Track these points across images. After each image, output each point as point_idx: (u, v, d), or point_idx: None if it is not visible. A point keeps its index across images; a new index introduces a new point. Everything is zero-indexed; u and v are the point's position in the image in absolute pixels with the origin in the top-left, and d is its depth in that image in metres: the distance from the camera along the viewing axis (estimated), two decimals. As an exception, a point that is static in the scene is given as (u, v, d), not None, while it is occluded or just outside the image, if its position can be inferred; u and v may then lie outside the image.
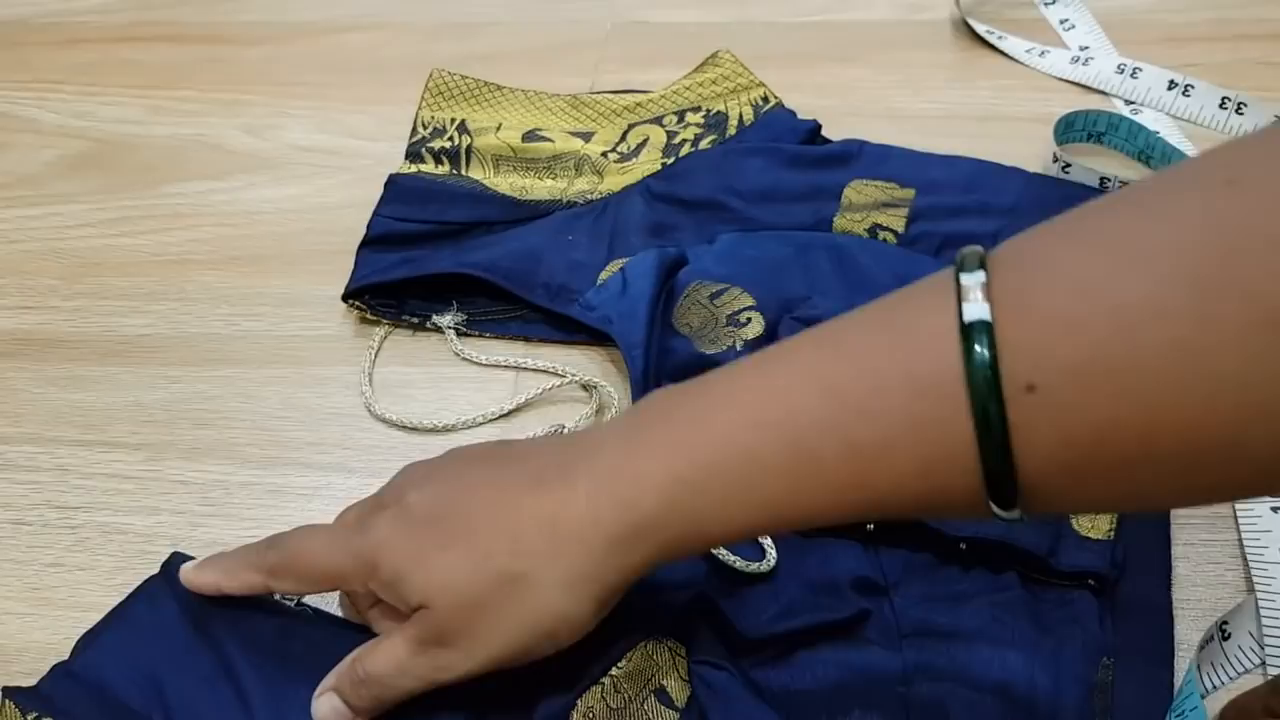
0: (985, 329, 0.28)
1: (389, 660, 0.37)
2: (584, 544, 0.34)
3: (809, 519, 0.32)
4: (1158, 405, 0.26)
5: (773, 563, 0.42)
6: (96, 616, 0.42)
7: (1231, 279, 0.25)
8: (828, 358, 0.31)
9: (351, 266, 0.54)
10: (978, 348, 0.28)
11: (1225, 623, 0.38)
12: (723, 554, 0.43)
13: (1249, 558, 0.42)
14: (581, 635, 0.36)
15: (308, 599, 0.44)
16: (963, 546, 0.42)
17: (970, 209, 0.53)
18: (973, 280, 0.28)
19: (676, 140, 0.59)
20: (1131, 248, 0.27)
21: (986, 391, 0.27)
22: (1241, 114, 0.58)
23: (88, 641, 0.41)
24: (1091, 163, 0.56)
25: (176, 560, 0.44)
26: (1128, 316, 0.26)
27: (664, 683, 0.40)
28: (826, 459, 0.30)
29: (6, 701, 0.39)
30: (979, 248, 0.30)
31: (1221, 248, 0.25)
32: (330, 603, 0.44)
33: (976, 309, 0.28)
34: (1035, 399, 0.27)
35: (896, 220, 0.53)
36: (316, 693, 0.39)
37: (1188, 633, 0.40)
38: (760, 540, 0.43)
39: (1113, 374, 0.26)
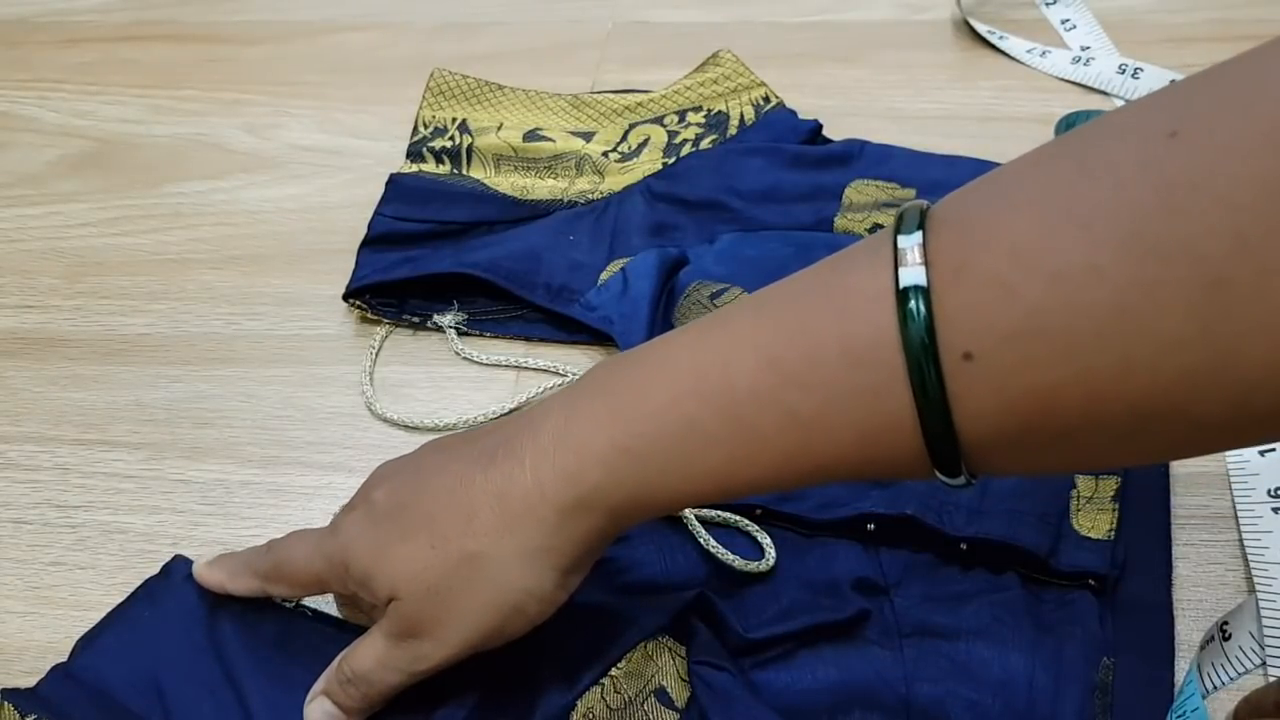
0: (921, 294, 0.27)
1: (369, 657, 0.37)
2: (534, 516, 0.33)
3: (754, 487, 0.31)
4: (1100, 371, 0.25)
5: (771, 562, 0.42)
6: (97, 616, 0.42)
7: (1174, 239, 0.24)
8: (766, 326, 0.30)
9: (352, 266, 0.54)
10: (913, 314, 0.27)
11: (1226, 623, 0.38)
12: (721, 553, 0.43)
13: (1250, 558, 0.42)
14: (553, 608, 0.35)
15: (306, 600, 0.44)
16: (963, 546, 0.42)
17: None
18: (909, 242, 0.27)
19: (677, 140, 0.59)
20: (1069, 208, 0.25)
21: (924, 359, 0.27)
22: (1242, 114, 0.58)
23: (87, 643, 0.41)
24: (1092, 163, 0.56)
25: (177, 562, 0.44)
26: (1066, 282, 0.25)
27: (664, 683, 0.39)
28: (766, 430, 0.30)
29: (5, 703, 0.39)
30: (922, 203, 0.29)
31: (1162, 206, 0.24)
32: (330, 603, 0.44)
33: (912, 273, 0.27)
34: (974, 367, 0.26)
35: (897, 220, 0.53)
36: (308, 697, 0.39)
37: (1188, 633, 0.40)
38: (759, 539, 0.43)
39: (1052, 341, 0.25)
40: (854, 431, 0.29)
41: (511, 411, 0.50)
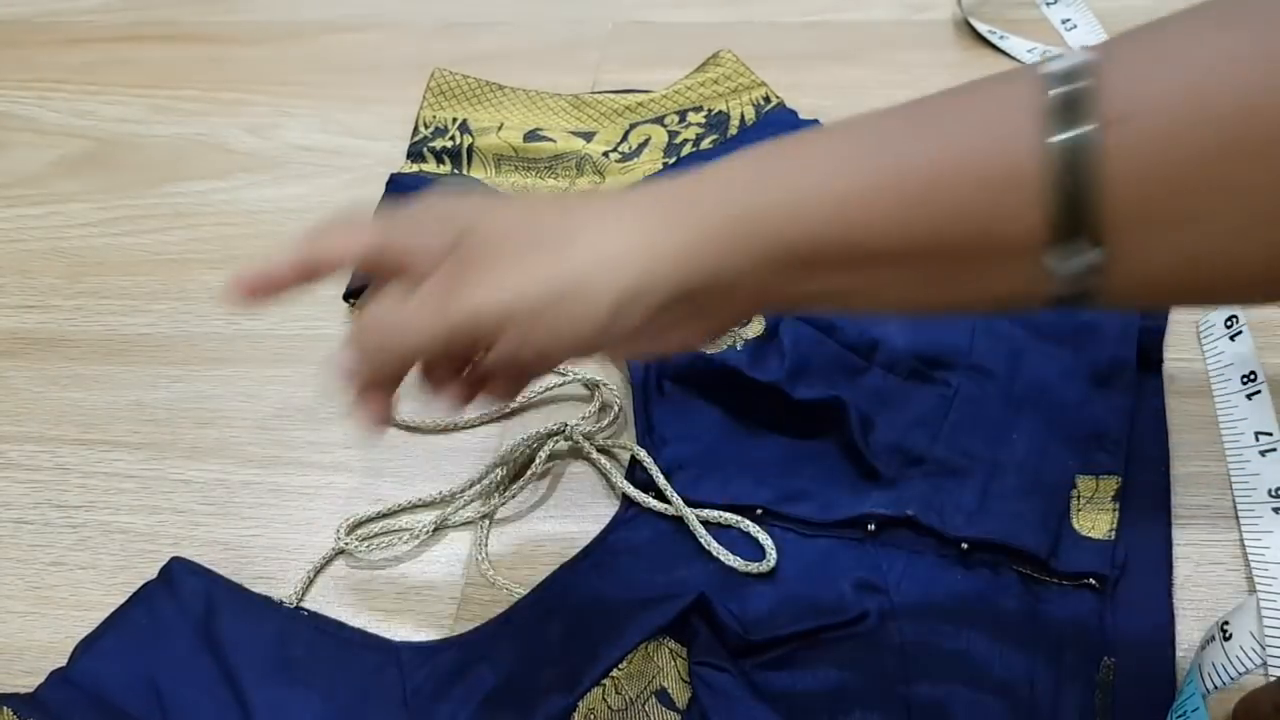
0: (1076, 73, 0.28)
1: (400, 302, 0.34)
2: (640, 213, 0.32)
3: (869, 236, 0.30)
4: (1257, 133, 0.26)
5: (772, 563, 0.42)
6: (98, 616, 0.42)
7: None
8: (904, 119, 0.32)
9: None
10: (1061, 75, 0.28)
11: (1226, 623, 0.38)
12: (722, 554, 0.43)
13: (1250, 558, 0.42)
14: (589, 341, 0.33)
15: (308, 600, 0.44)
16: (964, 546, 0.42)
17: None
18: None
19: (678, 140, 0.59)
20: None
21: (1070, 104, 0.27)
22: (1243, 114, 0.58)
23: (85, 647, 0.41)
24: (1093, 163, 0.56)
25: (176, 565, 0.44)
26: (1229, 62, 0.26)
27: (665, 684, 0.40)
28: (888, 154, 0.30)
29: (3, 709, 0.39)
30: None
31: None
32: (330, 605, 0.44)
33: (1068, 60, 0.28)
34: (1124, 128, 0.27)
35: (898, 220, 0.53)
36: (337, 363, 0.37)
37: (1189, 633, 0.40)
38: (760, 540, 0.43)
39: (1214, 105, 0.26)
40: (975, 177, 0.29)
41: (513, 412, 0.50)
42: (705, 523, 0.44)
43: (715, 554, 0.43)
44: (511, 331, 0.33)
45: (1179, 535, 0.43)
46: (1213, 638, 0.38)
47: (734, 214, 0.31)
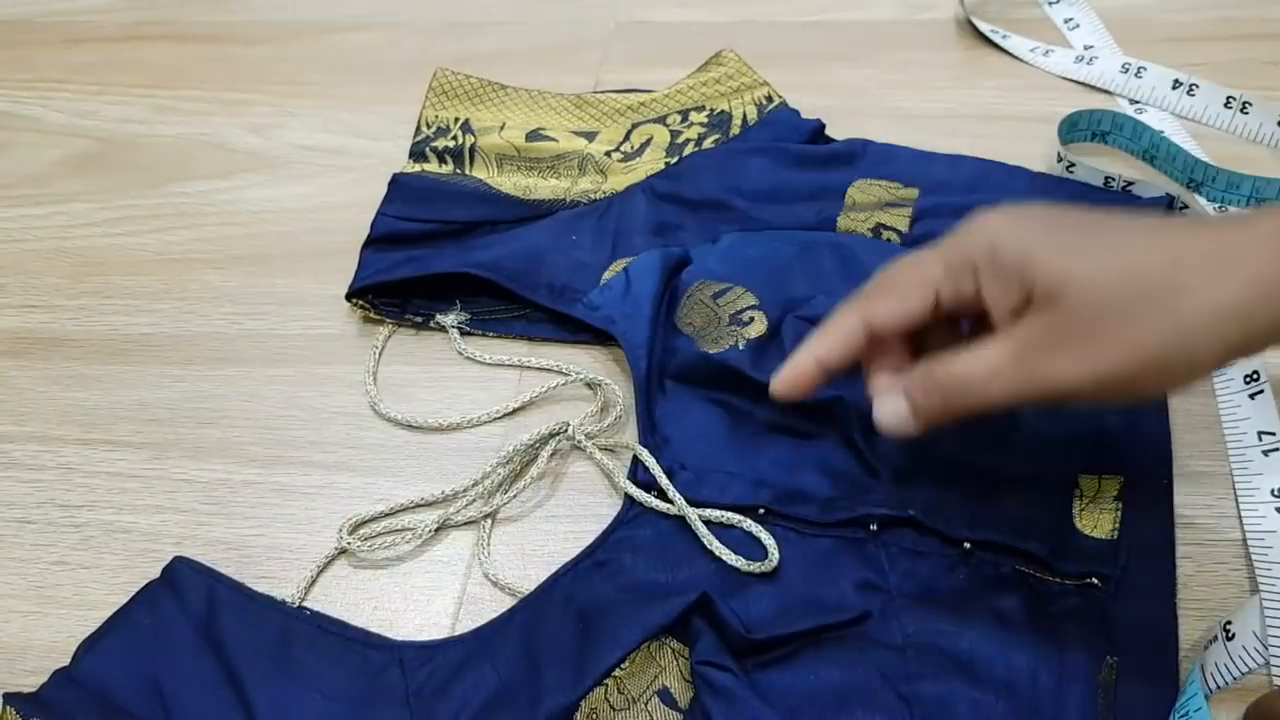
0: None
1: (981, 363, 0.35)
2: (1251, 273, 0.31)
3: None
4: None
5: (774, 562, 0.42)
6: (101, 615, 0.42)
7: None
8: None
9: (355, 266, 0.54)
10: None
11: (1229, 623, 0.38)
12: (724, 553, 0.43)
13: (1253, 558, 0.42)
14: (1190, 385, 0.34)
15: (310, 599, 0.44)
16: (966, 546, 0.42)
17: (975, 209, 0.53)
18: None
19: (680, 140, 0.59)
20: None
21: None
22: (1246, 113, 0.58)
23: (88, 647, 0.41)
24: (1096, 162, 0.56)
25: (178, 564, 0.44)
26: None
27: (667, 683, 0.40)
28: None
29: (7, 708, 0.39)
30: None
31: None
32: (332, 605, 0.44)
33: None
34: None
35: (900, 220, 0.53)
36: (877, 391, 0.38)
37: (1192, 633, 0.40)
38: (762, 540, 0.43)
39: None
40: None
41: (515, 410, 0.50)
42: (707, 522, 0.44)
43: (717, 553, 0.43)
44: (1094, 395, 0.33)
45: (1182, 535, 0.43)
46: (1215, 637, 0.38)
47: None
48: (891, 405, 0.38)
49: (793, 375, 0.39)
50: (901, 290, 0.37)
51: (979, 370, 0.35)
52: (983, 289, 0.35)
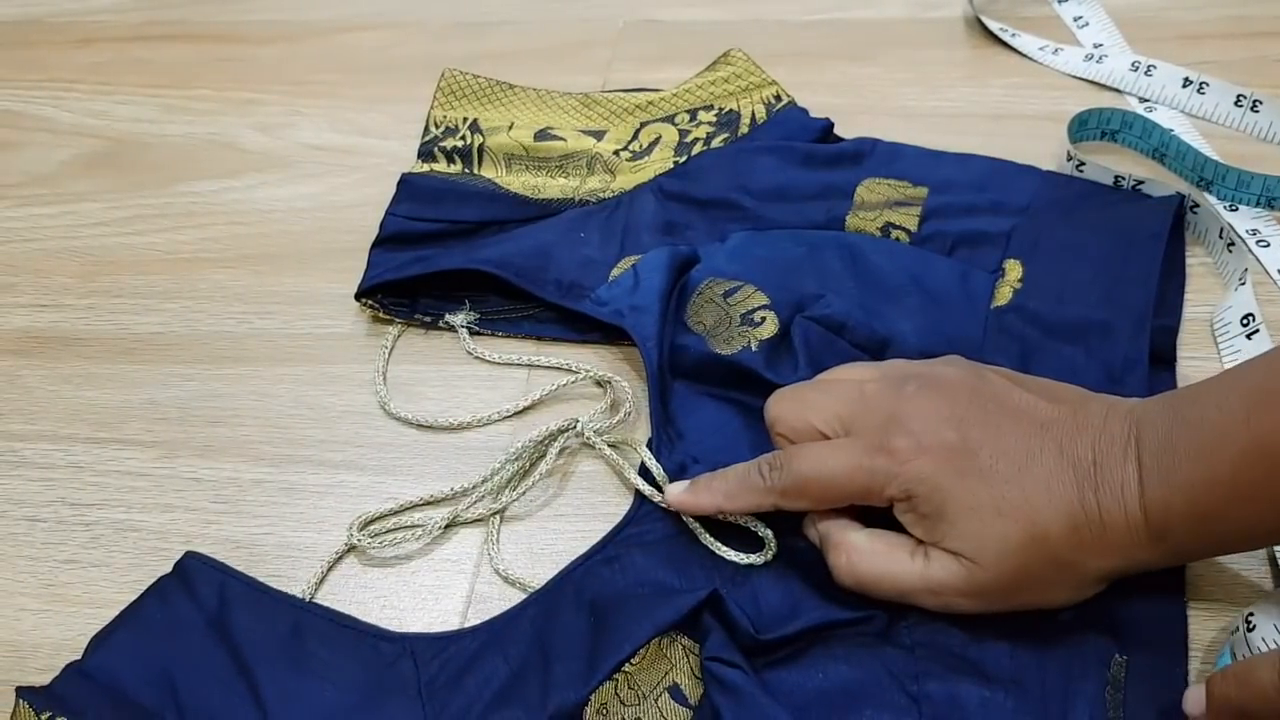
0: None
1: (892, 579, 0.39)
2: (1128, 545, 0.37)
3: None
4: None
5: (770, 555, 0.42)
6: (111, 613, 0.42)
7: None
8: None
9: (364, 265, 0.54)
10: None
11: (1251, 614, 0.38)
12: (718, 548, 0.43)
13: (1276, 551, 0.42)
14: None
15: (320, 598, 0.45)
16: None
17: (983, 208, 0.53)
18: None
19: (689, 139, 0.59)
20: None
21: None
22: (1257, 111, 0.58)
23: (100, 641, 0.41)
24: (1106, 161, 0.56)
25: (188, 559, 0.44)
26: None
27: (678, 680, 0.40)
28: None
29: (20, 701, 0.39)
30: None
31: None
32: (342, 601, 0.44)
33: None
34: None
35: (909, 219, 0.53)
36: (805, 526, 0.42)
37: (1202, 631, 0.40)
38: (759, 533, 0.43)
39: None
40: None
41: (525, 409, 0.50)
42: (713, 521, 0.44)
43: (712, 548, 0.43)
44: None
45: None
46: (1237, 628, 0.38)
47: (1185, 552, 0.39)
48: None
49: (692, 505, 0.43)
50: (816, 499, 0.41)
51: (893, 584, 0.40)
52: (897, 515, 0.40)
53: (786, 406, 0.43)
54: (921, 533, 0.39)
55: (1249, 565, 0.42)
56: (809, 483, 0.40)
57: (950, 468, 0.38)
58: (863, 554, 0.40)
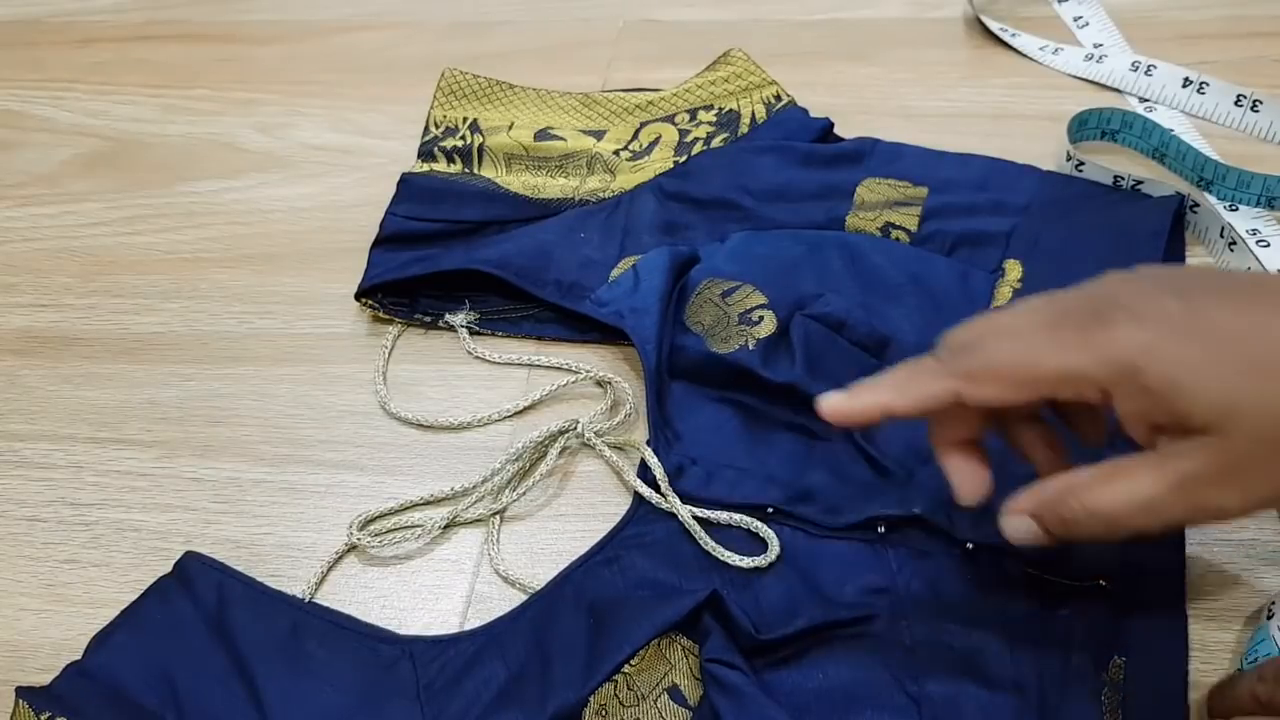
0: None
1: (1136, 495, 0.33)
2: None
3: None
4: None
5: (773, 557, 0.42)
6: (111, 613, 0.42)
7: None
8: None
9: (364, 265, 0.54)
10: None
11: (1273, 603, 0.38)
12: (720, 553, 0.43)
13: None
14: None
15: (320, 597, 0.45)
16: (969, 547, 0.42)
17: (983, 207, 0.53)
18: None
19: (689, 139, 0.59)
20: None
21: None
22: (1257, 111, 0.58)
23: (100, 641, 0.42)
24: (1105, 161, 0.56)
25: (188, 559, 0.44)
26: None
27: (677, 681, 0.40)
28: None
29: (20, 701, 0.39)
30: None
31: None
32: (342, 601, 0.44)
33: None
34: None
35: (909, 219, 0.53)
36: (1007, 508, 0.36)
37: (1203, 633, 0.40)
38: (764, 536, 0.43)
39: None
40: None
41: (525, 409, 0.50)
42: (712, 523, 0.44)
43: (712, 552, 0.43)
44: (1247, 515, 0.34)
45: (1192, 535, 0.43)
46: (1271, 614, 0.38)
47: None
48: (1022, 527, 0.36)
49: (852, 410, 0.37)
50: (1009, 382, 0.35)
51: (1134, 502, 0.33)
52: (1118, 404, 0.33)
53: (963, 325, 0.36)
54: (1156, 412, 0.32)
55: (1248, 567, 0.42)
56: (1003, 359, 0.34)
57: (1180, 331, 0.32)
58: (1090, 487, 0.33)
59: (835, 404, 0.37)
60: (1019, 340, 0.35)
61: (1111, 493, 0.33)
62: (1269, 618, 0.38)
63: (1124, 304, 0.33)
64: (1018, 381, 0.34)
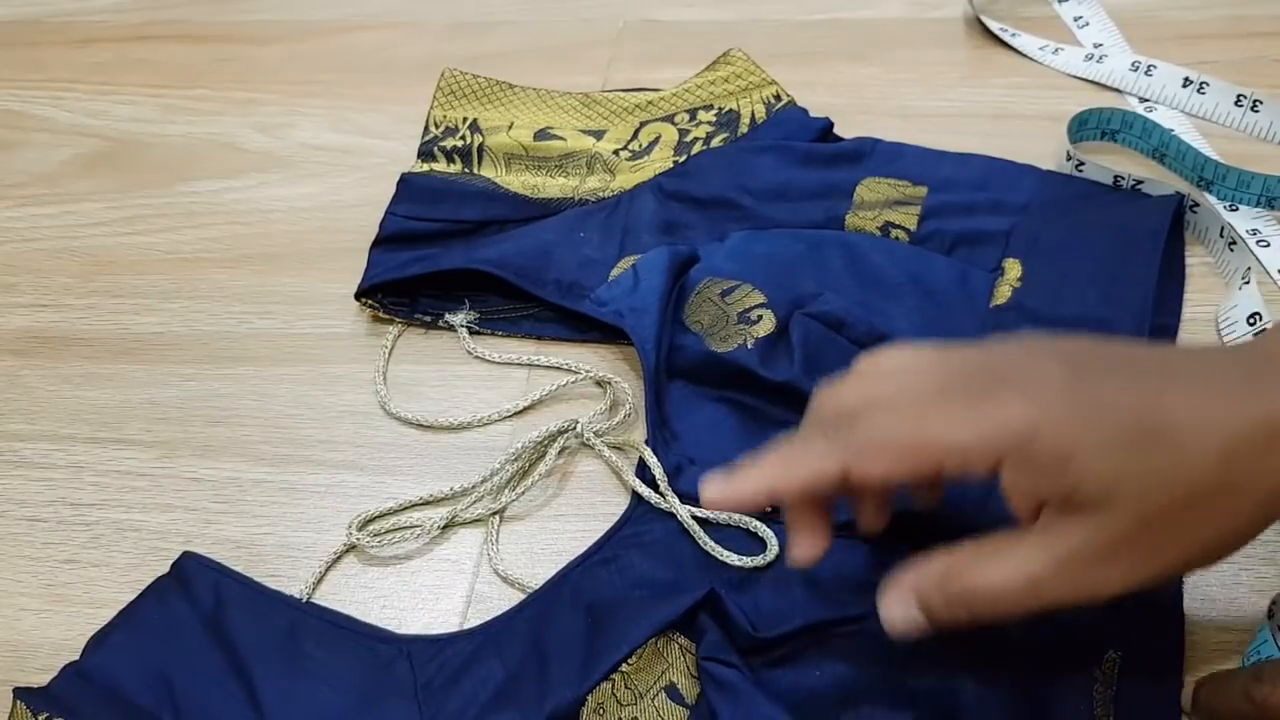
0: None
1: (1017, 573, 0.32)
2: None
3: None
4: None
5: (771, 556, 0.42)
6: (111, 613, 0.43)
7: None
8: None
9: (364, 265, 0.54)
10: None
11: (1274, 603, 0.38)
12: (719, 552, 0.43)
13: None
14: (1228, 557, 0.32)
15: (320, 597, 0.45)
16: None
17: (983, 207, 0.53)
18: None
19: (688, 138, 0.59)
20: None
21: None
22: (1257, 111, 0.58)
23: (97, 641, 0.42)
24: (1105, 161, 0.56)
25: (186, 559, 0.44)
26: None
27: (674, 679, 0.40)
28: None
29: (17, 702, 0.39)
30: None
31: None
32: (341, 601, 0.45)
33: None
34: None
35: (909, 218, 0.53)
36: (886, 592, 0.35)
37: (1201, 631, 0.40)
38: (762, 535, 0.43)
39: None
40: None
41: (525, 409, 0.50)
42: (711, 522, 0.44)
43: (711, 551, 0.43)
44: (1134, 591, 0.33)
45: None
46: (1272, 613, 0.38)
47: None
48: (902, 611, 0.35)
49: (733, 495, 0.36)
50: (898, 457, 0.33)
51: (1015, 581, 0.32)
52: (1005, 477, 0.32)
53: (837, 389, 0.35)
54: (1044, 485, 0.32)
55: (1248, 565, 0.42)
56: (891, 433, 0.33)
57: (1069, 403, 0.31)
58: (973, 563, 0.33)
59: (717, 489, 0.36)
60: (905, 413, 0.34)
61: (996, 570, 0.33)
62: (1269, 618, 0.38)
63: (1013, 375, 0.33)
64: (907, 456, 0.33)
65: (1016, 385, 0.32)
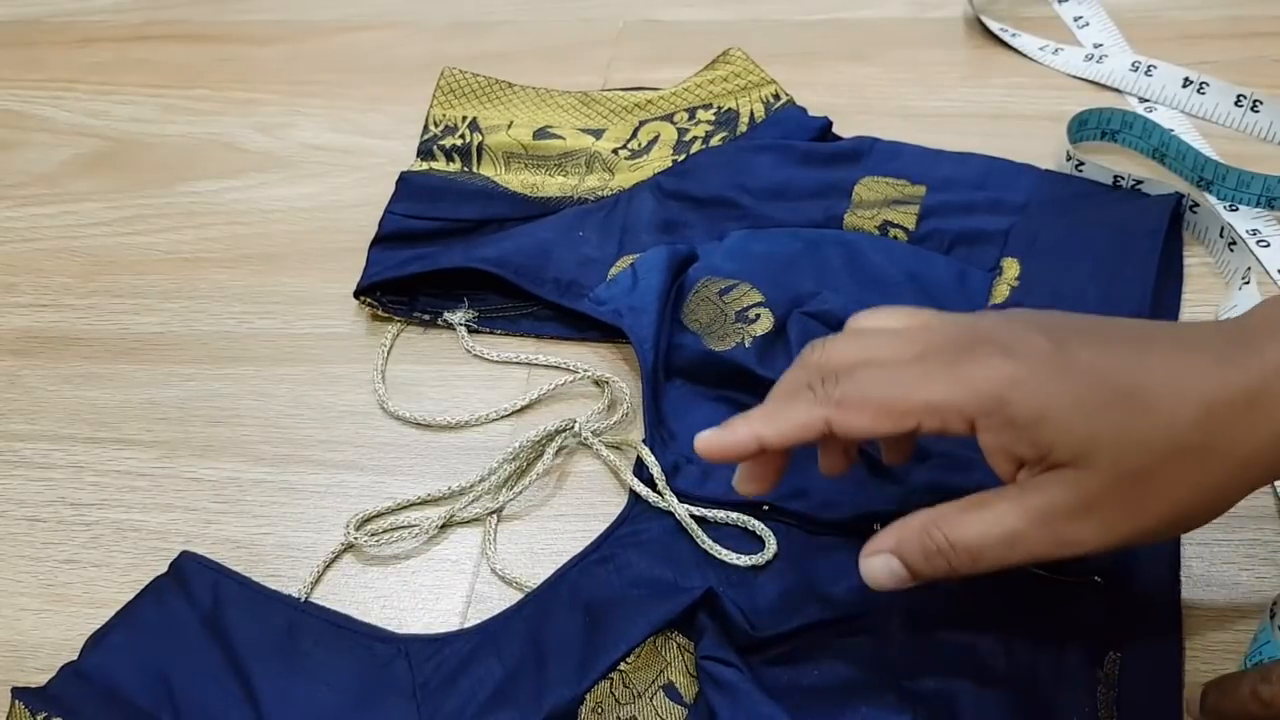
0: None
1: (995, 527, 0.33)
2: (1276, 427, 0.31)
3: None
4: None
5: (770, 555, 0.42)
6: (110, 613, 0.43)
7: None
8: None
9: (363, 264, 0.54)
10: None
11: (1275, 603, 0.38)
12: (717, 550, 0.43)
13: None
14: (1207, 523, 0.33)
15: (319, 597, 0.45)
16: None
17: (982, 206, 0.53)
18: None
19: (687, 137, 0.59)
20: None
21: None
22: (1257, 111, 0.58)
23: (96, 641, 0.42)
24: (1105, 161, 0.55)
25: (185, 559, 0.44)
26: None
27: (673, 678, 0.40)
28: None
29: (16, 702, 0.39)
30: None
31: None
32: (340, 600, 0.45)
33: None
34: None
35: (907, 217, 0.53)
36: (866, 550, 0.35)
37: (1202, 633, 0.40)
38: (760, 534, 0.43)
39: None
40: None
41: (524, 408, 0.50)
42: (709, 521, 0.44)
43: (710, 550, 0.43)
44: (1114, 550, 0.33)
45: (1190, 534, 0.42)
46: (1273, 613, 0.38)
47: None
48: (883, 565, 0.35)
49: (724, 444, 0.37)
50: (879, 413, 0.34)
51: (994, 535, 0.33)
52: (982, 437, 0.33)
53: (827, 345, 0.37)
54: (1020, 444, 0.32)
55: (1247, 565, 0.42)
56: (874, 390, 0.34)
57: (1047, 367, 0.32)
58: (952, 518, 0.34)
59: (708, 440, 0.37)
60: (889, 371, 0.35)
61: (975, 523, 0.33)
62: (1270, 618, 0.38)
63: (994, 339, 0.34)
64: (887, 412, 0.34)
65: (996, 349, 0.33)
